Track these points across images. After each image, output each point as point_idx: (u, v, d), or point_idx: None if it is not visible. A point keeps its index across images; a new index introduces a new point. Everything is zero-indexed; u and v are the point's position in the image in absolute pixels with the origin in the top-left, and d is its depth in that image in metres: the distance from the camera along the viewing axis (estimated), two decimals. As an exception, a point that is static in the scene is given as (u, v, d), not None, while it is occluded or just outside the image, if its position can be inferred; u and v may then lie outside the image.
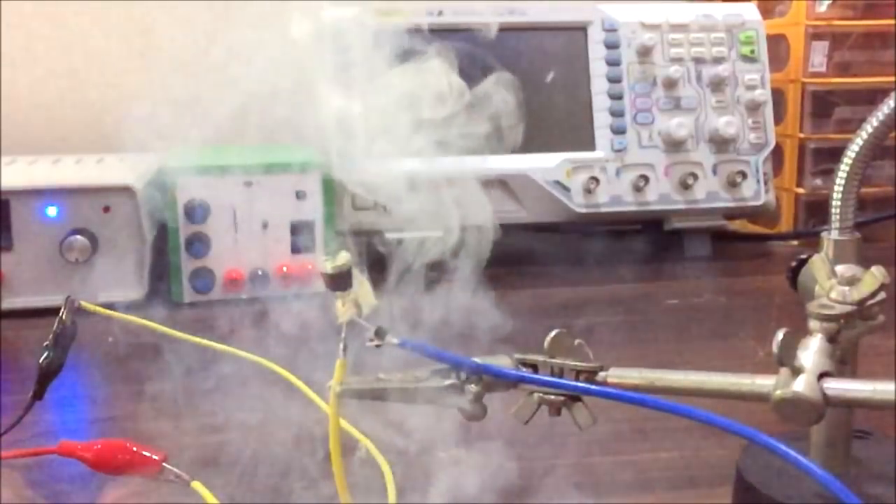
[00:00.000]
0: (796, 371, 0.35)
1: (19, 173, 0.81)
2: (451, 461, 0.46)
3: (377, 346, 0.39)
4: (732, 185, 0.92)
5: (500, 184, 0.88)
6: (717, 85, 0.93)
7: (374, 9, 0.89)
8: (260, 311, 0.76)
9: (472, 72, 0.89)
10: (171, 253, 0.77)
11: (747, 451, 0.43)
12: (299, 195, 0.80)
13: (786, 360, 0.35)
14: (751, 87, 0.94)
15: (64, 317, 0.49)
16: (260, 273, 0.79)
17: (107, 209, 0.75)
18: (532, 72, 0.91)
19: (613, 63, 0.92)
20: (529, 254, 0.94)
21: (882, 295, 0.38)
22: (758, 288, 0.84)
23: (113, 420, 0.54)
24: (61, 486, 0.45)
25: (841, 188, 0.40)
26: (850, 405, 0.38)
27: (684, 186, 0.91)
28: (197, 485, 0.43)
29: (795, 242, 1.01)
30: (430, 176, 0.87)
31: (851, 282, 0.39)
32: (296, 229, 0.80)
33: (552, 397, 0.40)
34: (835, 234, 0.41)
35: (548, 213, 0.90)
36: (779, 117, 0.99)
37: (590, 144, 0.91)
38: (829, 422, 0.39)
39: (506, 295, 0.80)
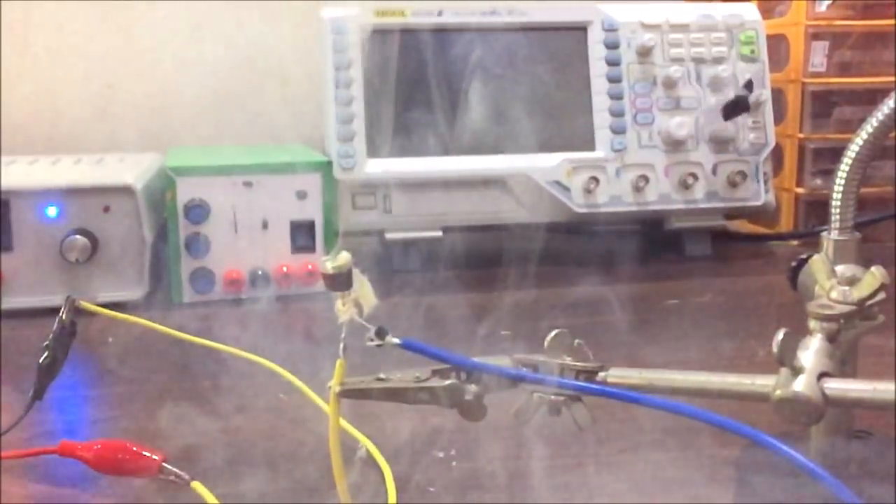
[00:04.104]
0: (796, 371, 0.35)
1: (19, 173, 0.81)
2: (442, 459, 0.46)
3: (377, 345, 0.39)
4: (732, 185, 0.92)
5: (500, 184, 0.88)
6: (717, 85, 0.93)
7: (374, 9, 0.89)
8: (260, 311, 0.77)
9: (471, 72, 0.90)
10: (171, 253, 0.77)
11: (747, 450, 0.43)
12: (299, 195, 0.80)
13: (786, 360, 0.35)
14: (751, 87, 0.94)
15: (64, 317, 0.49)
16: (260, 273, 0.79)
17: (107, 209, 0.75)
18: (532, 72, 0.91)
19: (613, 63, 0.92)
20: (528, 254, 0.94)
21: (882, 295, 0.38)
22: (758, 288, 0.84)
23: (113, 420, 0.54)
24: (61, 486, 0.45)
25: (841, 188, 0.40)
26: (850, 405, 0.38)
27: (684, 186, 0.91)
28: (197, 485, 0.43)
29: (795, 242, 1.01)
30: (432, 175, 0.87)
31: (851, 282, 0.39)
32: (296, 229, 0.80)
33: (552, 397, 0.40)
34: (835, 234, 0.41)
35: (548, 213, 0.90)
36: (779, 117, 0.98)
37: (590, 144, 0.91)
38: (829, 422, 0.39)
39: (506, 295, 0.80)
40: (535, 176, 0.89)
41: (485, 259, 0.92)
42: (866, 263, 0.40)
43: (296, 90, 1.13)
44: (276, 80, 1.14)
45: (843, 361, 0.37)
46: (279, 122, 1.11)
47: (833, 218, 0.41)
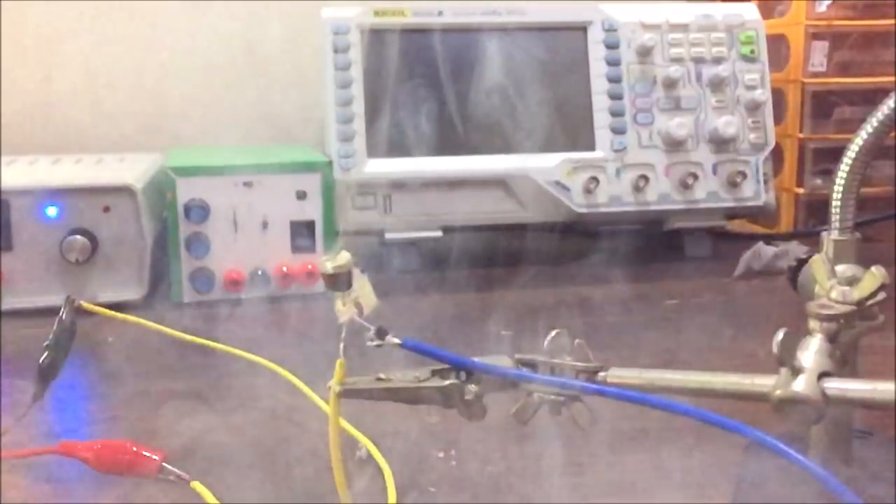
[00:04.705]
0: (796, 371, 0.35)
1: (19, 173, 0.81)
2: (440, 459, 0.46)
3: (378, 345, 0.39)
4: (732, 185, 0.92)
5: (500, 184, 0.88)
6: (717, 85, 0.93)
7: (374, 9, 0.89)
8: (260, 311, 0.77)
9: (471, 72, 0.90)
10: (171, 253, 0.77)
11: (747, 451, 0.43)
12: (299, 195, 0.80)
13: (786, 360, 0.35)
14: (751, 87, 0.94)
15: (64, 317, 0.49)
16: (260, 273, 0.79)
17: (107, 209, 0.75)
18: (532, 72, 0.91)
19: (613, 63, 0.92)
20: (528, 254, 0.94)
21: (882, 295, 0.38)
22: (758, 288, 0.84)
23: (113, 420, 0.54)
24: (61, 486, 0.45)
25: (841, 188, 0.40)
26: (850, 405, 0.38)
27: (684, 186, 0.91)
28: (197, 485, 0.43)
29: (795, 242, 1.01)
30: (432, 175, 0.87)
31: (851, 282, 0.39)
32: (296, 229, 0.80)
33: (552, 397, 0.40)
34: (835, 234, 0.41)
35: (548, 213, 0.90)
36: (779, 117, 0.98)
37: (590, 144, 0.91)
38: (829, 422, 0.39)
39: (506, 295, 0.81)
40: (535, 176, 0.89)
41: (485, 259, 0.92)
42: (866, 263, 0.40)
43: (296, 89, 1.13)
44: (277, 80, 1.14)
45: (843, 361, 0.37)
46: (280, 122, 1.11)
47: (833, 218, 0.41)
